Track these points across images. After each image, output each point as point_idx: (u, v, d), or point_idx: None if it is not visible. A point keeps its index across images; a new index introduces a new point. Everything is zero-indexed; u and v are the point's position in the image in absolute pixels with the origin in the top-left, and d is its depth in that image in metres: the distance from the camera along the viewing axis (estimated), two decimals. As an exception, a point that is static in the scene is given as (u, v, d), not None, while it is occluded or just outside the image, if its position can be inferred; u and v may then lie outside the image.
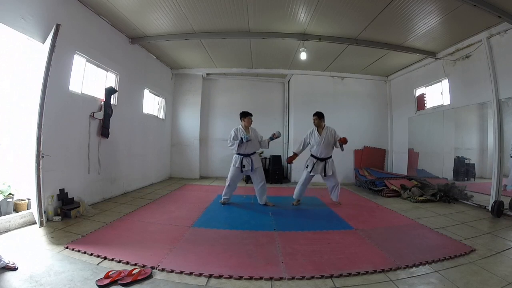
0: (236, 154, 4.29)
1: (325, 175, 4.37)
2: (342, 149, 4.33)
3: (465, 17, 4.01)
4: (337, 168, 4.52)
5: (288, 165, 7.78)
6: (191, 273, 2.10)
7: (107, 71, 4.66)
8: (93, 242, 2.65)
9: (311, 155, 4.45)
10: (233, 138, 4.23)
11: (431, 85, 6.01)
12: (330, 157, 4.43)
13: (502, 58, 4.16)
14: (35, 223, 3.04)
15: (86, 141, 4.07)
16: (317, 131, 4.40)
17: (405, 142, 6.75)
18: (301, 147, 4.48)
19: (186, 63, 7.15)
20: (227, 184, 4.39)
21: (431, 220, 3.71)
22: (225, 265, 2.26)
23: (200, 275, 2.09)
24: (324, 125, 4.43)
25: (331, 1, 3.88)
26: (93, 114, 4.18)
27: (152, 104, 6.63)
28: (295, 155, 4.48)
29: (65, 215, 3.38)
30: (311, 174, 4.40)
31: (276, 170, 7.05)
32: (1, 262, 1.99)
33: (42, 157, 2.82)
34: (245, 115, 4.35)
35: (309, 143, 4.44)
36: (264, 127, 7.99)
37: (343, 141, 4.17)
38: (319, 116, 4.41)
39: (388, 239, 2.97)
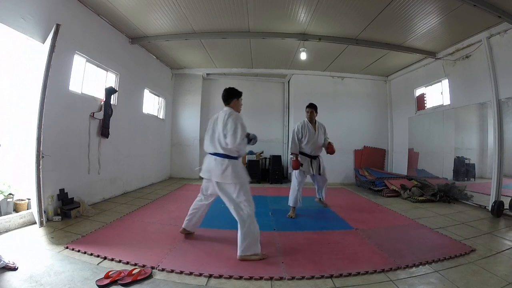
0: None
1: (319, 174, 4.00)
2: (329, 153, 3.96)
3: (465, 17, 4.01)
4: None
5: (288, 165, 7.79)
6: (191, 273, 2.10)
7: (107, 71, 4.66)
8: (93, 242, 2.65)
9: (302, 153, 3.90)
10: (244, 134, 2.53)
11: (431, 85, 6.01)
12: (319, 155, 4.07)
13: (502, 58, 4.16)
14: (35, 223, 3.04)
15: (86, 141, 4.07)
16: (310, 125, 3.91)
17: (405, 142, 6.75)
18: (298, 146, 3.87)
19: (186, 63, 7.15)
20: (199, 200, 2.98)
21: (431, 220, 3.71)
22: (225, 265, 2.25)
23: (200, 275, 2.09)
24: (316, 120, 4.00)
25: (331, 1, 3.88)
26: (93, 114, 4.18)
27: (152, 104, 6.63)
28: (297, 155, 3.82)
29: (65, 215, 3.38)
30: (307, 174, 3.94)
31: (276, 170, 7.05)
32: (1, 262, 1.99)
33: (42, 157, 2.82)
34: (239, 94, 2.91)
35: (301, 138, 3.87)
36: (264, 127, 8.11)
37: (331, 151, 3.87)
38: (315, 109, 3.95)
39: (388, 239, 2.96)
